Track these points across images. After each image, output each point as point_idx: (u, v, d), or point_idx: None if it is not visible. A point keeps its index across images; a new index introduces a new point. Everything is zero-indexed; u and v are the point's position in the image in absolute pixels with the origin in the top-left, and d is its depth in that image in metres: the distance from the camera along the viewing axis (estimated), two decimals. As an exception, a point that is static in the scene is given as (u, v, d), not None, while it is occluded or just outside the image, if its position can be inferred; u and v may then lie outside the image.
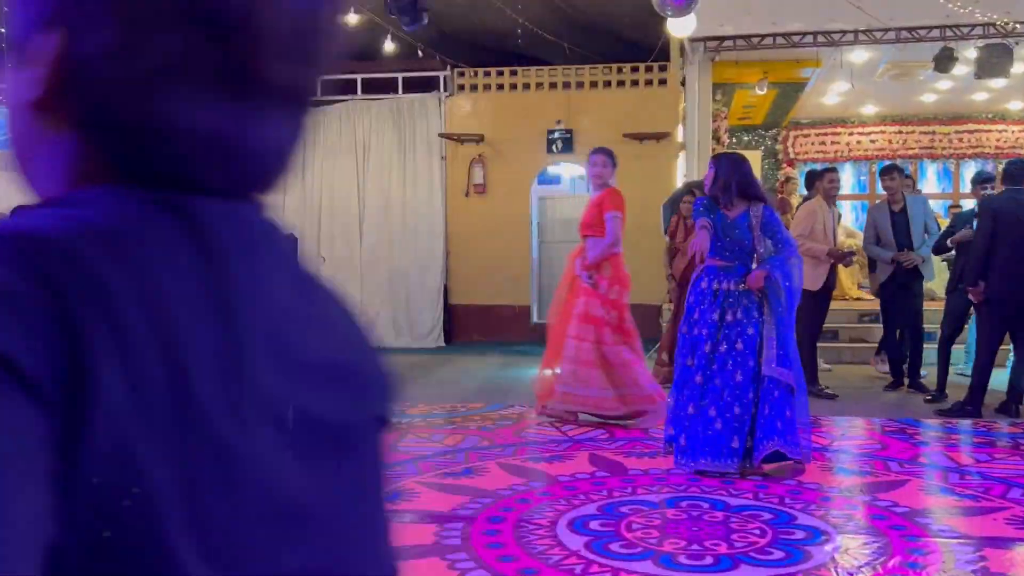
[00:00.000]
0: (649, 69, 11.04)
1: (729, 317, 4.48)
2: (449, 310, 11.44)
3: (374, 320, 11.37)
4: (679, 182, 10.77)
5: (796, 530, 3.68)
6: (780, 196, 11.59)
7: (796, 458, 4.39)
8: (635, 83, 11.08)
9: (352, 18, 10.27)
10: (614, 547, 3.47)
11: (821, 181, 7.31)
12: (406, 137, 11.41)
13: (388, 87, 11.50)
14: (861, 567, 3.25)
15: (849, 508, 3.98)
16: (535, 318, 11.58)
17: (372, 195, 11.43)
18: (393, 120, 11.42)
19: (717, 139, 11.52)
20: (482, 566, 3.26)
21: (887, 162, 10.43)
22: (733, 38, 9.70)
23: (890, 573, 3.20)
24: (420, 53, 11.38)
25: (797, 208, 8.52)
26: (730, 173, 4.59)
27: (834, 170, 7.64)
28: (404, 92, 11.44)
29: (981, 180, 7.06)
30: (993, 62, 9.42)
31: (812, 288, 6.64)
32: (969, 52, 9.64)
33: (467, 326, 11.51)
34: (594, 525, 3.75)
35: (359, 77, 11.48)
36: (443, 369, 9.19)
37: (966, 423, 5.91)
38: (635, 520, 3.81)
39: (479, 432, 5.68)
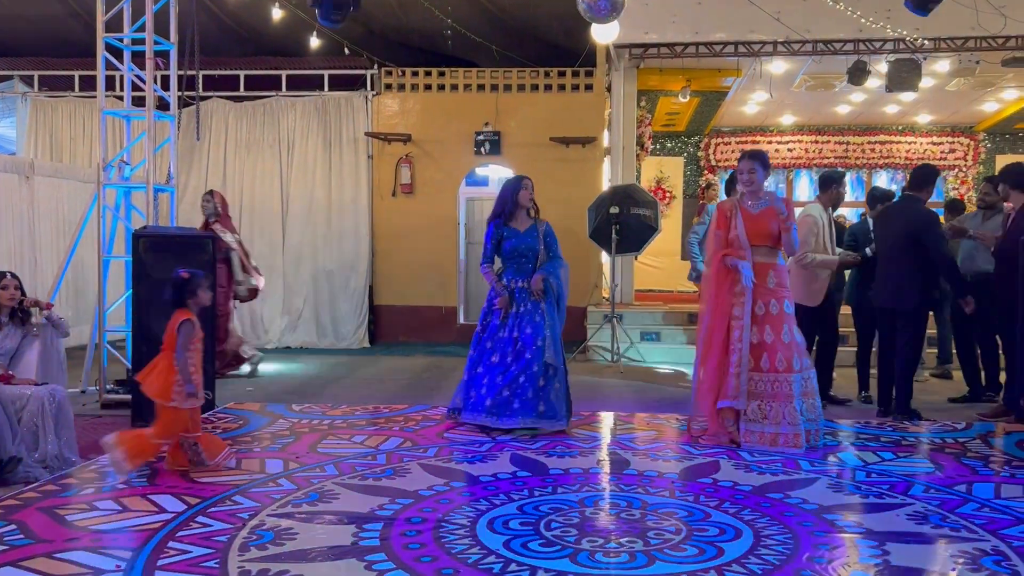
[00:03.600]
0: (576, 74, 11.16)
1: (523, 308, 5.77)
2: (374, 311, 11.35)
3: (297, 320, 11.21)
4: (605, 186, 10.92)
5: (710, 527, 3.77)
6: (701, 202, 11.84)
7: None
8: (562, 87, 11.18)
9: (276, 13, 10.11)
10: (533, 546, 3.50)
11: (836, 187, 6.86)
12: (332, 135, 11.29)
13: (313, 84, 11.36)
14: (771, 562, 3.35)
15: (761, 505, 4.09)
16: (461, 319, 11.57)
17: (296, 194, 11.26)
18: (318, 118, 11.28)
19: (641, 145, 11.69)
20: (400, 566, 3.25)
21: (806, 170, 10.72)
22: (657, 46, 9.88)
23: (798, 568, 3.31)
24: (347, 51, 11.28)
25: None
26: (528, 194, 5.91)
27: (843, 174, 7.63)
28: (330, 89, 11.31)
29: (883, 199, 7.20)
30: (903, 76, 9.80)
31: (812, 304, 6.63)
32: (881, 66, 10.01)
33: (393, 327, 11.44)
34: (514, 524, 3.77)
35: (283, 73, 11.31)
36: (367, 370, 9.12)
37: (873, 423, 6.15)
38: (554, 519, 3.85)
39: (402, 433, 5.65)
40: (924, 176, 6.43)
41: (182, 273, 4.78)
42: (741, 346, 5.26)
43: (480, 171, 12.18)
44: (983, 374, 7.14)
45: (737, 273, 5.29)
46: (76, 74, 11.52)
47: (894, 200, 6.99)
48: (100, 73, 6.92)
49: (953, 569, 3.32)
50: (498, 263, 5.94)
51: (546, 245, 5.87)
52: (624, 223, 9.25)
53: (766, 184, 5.58)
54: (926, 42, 9.49)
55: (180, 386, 4.53)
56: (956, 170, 14.75)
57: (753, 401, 5.27)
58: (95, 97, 7.09)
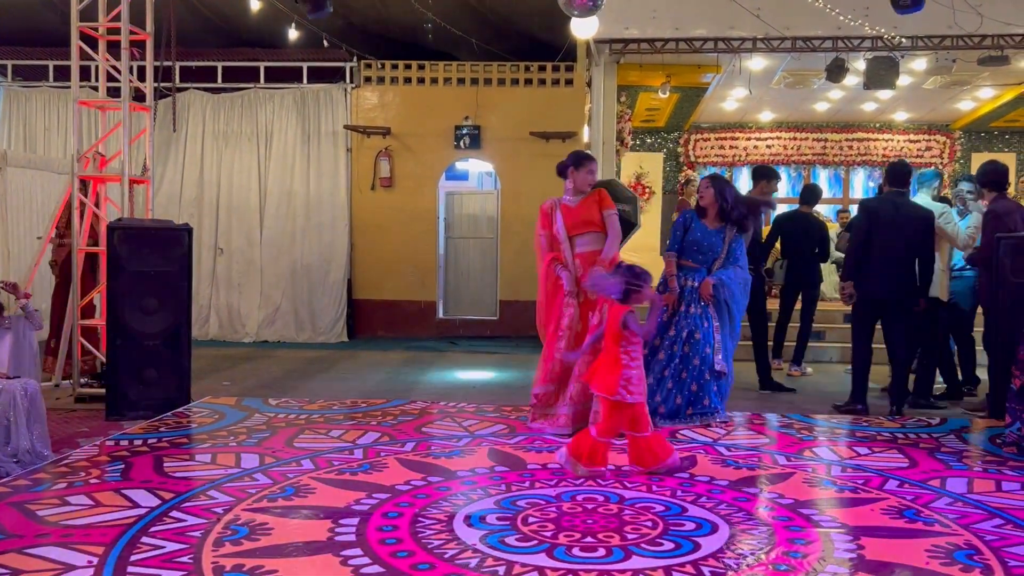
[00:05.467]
0: (556, 69, 11.15)
1: (694, 309, 5.80)
2: (353, 305, 11.31)
3: (274, 314, 11.14)
4: (584, 181, 10.90)
5: (686, 521, 3.78)
6: (681, 198, 11.88)
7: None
8: (542, 82, 11.17)
9: (254, 4, 10.02)
10: (510, 540, 3.49)
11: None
12: (310, 128, 11.22)
13: (292, 76, 11.28)
14: (747, 556, 3.37)
15: (737, 500, 4.11)
16: (440, 314, 11.56)
17: (274, 186, 11.18)
18: (297, 110, 11.20)
19: (621, 140, 11.69)
20: (376, 562, 3.24)
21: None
22: (637, 41, 9.87)
23: (774, 562, 3.33)
24: (325, 43, 11.21)
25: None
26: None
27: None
28: (308, 82, 11.24)
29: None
30: (880, 74, 9.85)
31: (944, 297, 6.85)
32: (859, 64, 10.06)
33: (371, 321, 11.40)
34: (491, 519, 3.76)
35: (262, 65, 11.22)
36: (345, 364, 9.07)
37: (849, 418, 6.19)
38: (532, 514, 3.84)
39: (379, 428, 5.63)
40: (905, 172, 6.57)
41: (636, 268, 4.63)
42: (566, 333, 5.52)
43: (460, 165, 12.15)
44: (959, 371, 7.21)
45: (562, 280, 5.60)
46: (50, 64, 11.37)
47: (882, 195, 6.98)
48: (74, 63, 6.82)
49: (927, 563, 3.35)
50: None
51: (729, 250, 5.88)
52: (603, 218, 9.23)
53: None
54: (903, 40, 9.55)
55: (627, 381, 4.43)
56: (932, 168, 14.87)
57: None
58: (69, 87, 6.99)
